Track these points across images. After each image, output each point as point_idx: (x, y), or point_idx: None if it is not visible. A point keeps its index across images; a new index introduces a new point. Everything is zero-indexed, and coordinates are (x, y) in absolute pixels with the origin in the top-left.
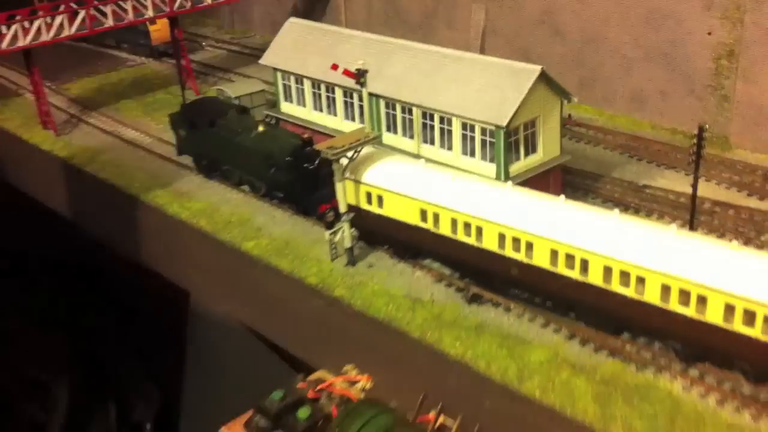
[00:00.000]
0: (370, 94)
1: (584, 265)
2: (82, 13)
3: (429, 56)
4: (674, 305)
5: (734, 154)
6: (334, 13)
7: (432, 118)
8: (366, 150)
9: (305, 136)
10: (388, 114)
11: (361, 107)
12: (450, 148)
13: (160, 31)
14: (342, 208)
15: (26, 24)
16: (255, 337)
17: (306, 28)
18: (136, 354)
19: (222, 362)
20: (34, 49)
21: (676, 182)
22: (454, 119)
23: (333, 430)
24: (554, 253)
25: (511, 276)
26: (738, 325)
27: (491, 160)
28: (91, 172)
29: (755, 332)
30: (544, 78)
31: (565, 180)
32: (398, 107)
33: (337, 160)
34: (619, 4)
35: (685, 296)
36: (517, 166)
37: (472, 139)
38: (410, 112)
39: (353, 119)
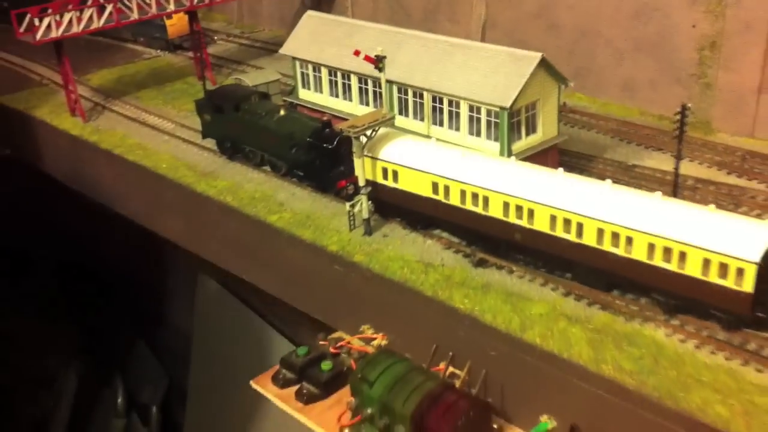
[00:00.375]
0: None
1: (579, 229)
2: (109, 7)
3: (438, 45)
4: (658, 261)
5: (716, 138)
6: (340, 8)
7: (441, 102)
8: (382, 130)
9: (324, 118)
10: (400, 98)
11: (374, 92)
12: (457, 129)
13: (176, 25)
14: (361, 183)
15: (57, 17)
16: (261, 318)
17: (323, 20)
18: (144, 338)
19: (228, 342)
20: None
21: (663, 162)
22: (461, 102)
23: (355, 377)
24: (553, 219)
25: (514, 241)
26: (714, 277)
27: (495, 140)
28: (120, 154)
29: (729, 283)
30: (544, 64)
31: (561, 160)
32: (410, 92)
33: (357, 138)
34: None
35: (667, 253)
36: (519, 145)
37: (478, 120)
38: (421, 96)
39: (367, 104)
